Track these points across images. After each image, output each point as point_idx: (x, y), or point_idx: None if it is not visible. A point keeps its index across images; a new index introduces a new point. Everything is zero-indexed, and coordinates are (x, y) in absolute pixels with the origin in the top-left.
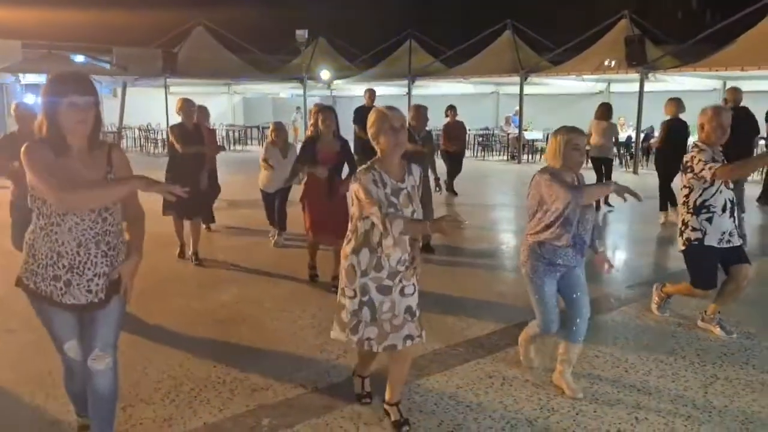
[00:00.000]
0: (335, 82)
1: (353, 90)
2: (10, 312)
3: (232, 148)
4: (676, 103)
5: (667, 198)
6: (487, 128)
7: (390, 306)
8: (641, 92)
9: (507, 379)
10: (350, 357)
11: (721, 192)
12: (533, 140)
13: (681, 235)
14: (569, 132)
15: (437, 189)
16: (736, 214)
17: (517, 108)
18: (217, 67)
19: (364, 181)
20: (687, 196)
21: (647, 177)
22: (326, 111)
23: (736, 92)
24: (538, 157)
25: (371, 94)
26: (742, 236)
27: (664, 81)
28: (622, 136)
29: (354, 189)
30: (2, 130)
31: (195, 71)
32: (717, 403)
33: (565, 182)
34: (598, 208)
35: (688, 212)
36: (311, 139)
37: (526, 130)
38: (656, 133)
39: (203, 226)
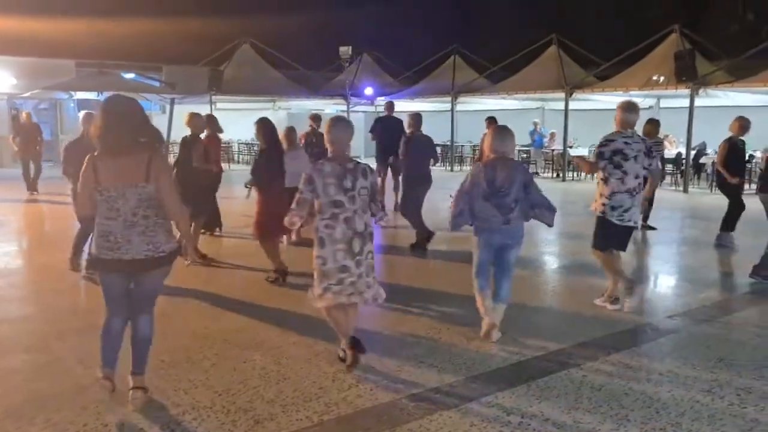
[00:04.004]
0: (379, 97)
1: (397, 106)
2: (28, 332)
3: None
4: (740, 121)
5: (735, 219)
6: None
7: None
8: (691, 108)
9: (526, 416)
10: (362, 387)
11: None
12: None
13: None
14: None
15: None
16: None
17: (536, 120)
18: (261, 83)
19: (309, 171)
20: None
21: (698, 196)
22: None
23: None
24: (584, 175)
25: (390, 105)
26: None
27: (716, 96)
28: (672, 153)
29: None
30: (55, 143)
31: (240, 88)
32: None
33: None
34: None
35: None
36: (264, 151)
37: (571, 146)
38: (709, 150)
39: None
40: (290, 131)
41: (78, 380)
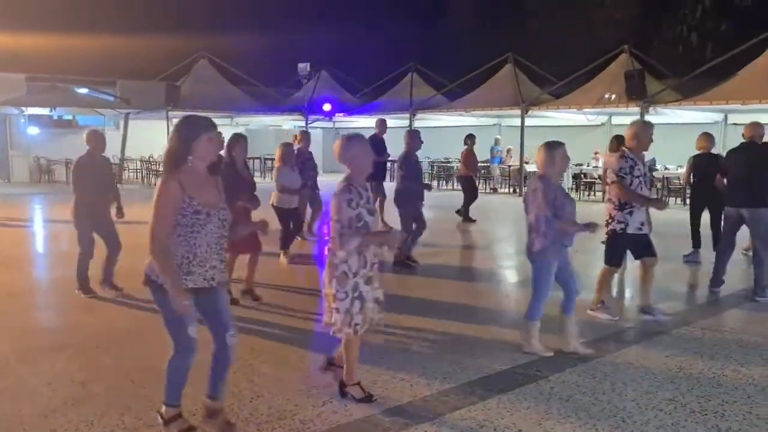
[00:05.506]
0: (337, 114)
1: (357, 122)
2: None
3: None
4: (706, 137)
5: (698, 234)
6: (488, 160)
7: (369, 294)
8: None
9: (498, 429)
10: (336, 403)
11: (640, 190)
12: (535, 173)
13: (607, 225)
14: (561, 146)
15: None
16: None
17: (498, 137)
18: (220, 99)
19: (341, 199)
20: (611, 193)
21: (651, 210)
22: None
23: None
24: None
25: (383, 123)
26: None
27: (665, 114)
28: None
29: (333, 204)
30: (4, 160)
31: (197, 104)
32: None
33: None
34: None
35: (614, 208)
36: (230, 165)
37: (527, 162)
38: (658, 166)
39: None
40: (286, 146)
41: (45, 403)
